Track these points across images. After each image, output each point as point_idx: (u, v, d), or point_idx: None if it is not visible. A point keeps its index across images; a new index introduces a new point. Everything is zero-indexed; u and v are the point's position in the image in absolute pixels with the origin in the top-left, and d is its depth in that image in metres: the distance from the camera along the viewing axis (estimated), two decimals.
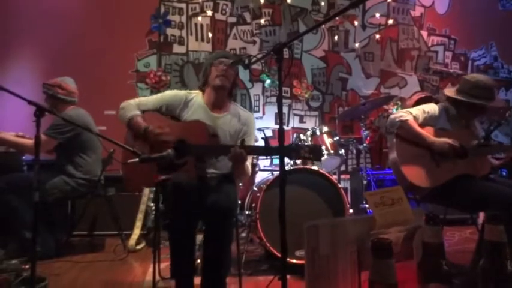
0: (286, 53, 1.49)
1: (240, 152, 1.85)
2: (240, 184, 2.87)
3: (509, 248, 0.86)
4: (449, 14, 4.90)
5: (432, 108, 2.42)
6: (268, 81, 4.43)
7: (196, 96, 2.22)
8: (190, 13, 4.44)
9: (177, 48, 4.40)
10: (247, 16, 4.50)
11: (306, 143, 2.82)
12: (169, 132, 2.01)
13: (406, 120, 2.30)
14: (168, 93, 2.23)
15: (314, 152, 1.83)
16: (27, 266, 2.31)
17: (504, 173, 3.77)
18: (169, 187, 1.85)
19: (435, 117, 2.38)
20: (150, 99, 2.19)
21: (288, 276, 1.32)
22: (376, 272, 0.75)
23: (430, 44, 4.85)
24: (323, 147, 2.86)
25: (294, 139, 3.07)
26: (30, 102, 1.74)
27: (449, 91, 2.45)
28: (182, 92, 2.23)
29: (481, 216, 3.33)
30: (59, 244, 2.91)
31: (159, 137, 1.99)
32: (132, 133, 2.08)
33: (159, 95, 2.23)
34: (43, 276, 2.22)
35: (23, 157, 3.28)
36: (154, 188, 2.88)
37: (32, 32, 4.11)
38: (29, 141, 2.74)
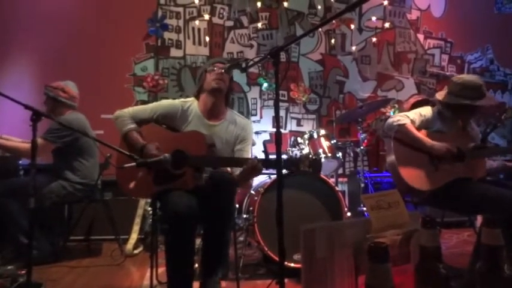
0: (283, 56, 1.49)
1: (257, 165, 1.86)
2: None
3: (506, 251, 0.86)
4: (445, 17, 4.93)
5: (428, 111, 2.42)
6: (265, 85, 4.44)
7: (192, 105, 2.19)
8: (187, 17, 4.44)
9: (174, 52, 4.40)
10: (244, 20, 4.51)
11: (302, 152, 2.82)
12: (165, 141, 1.99)
13: (404, 124, 2.30)
14: (163, 103, 2.20)
15: (313, 166, 1.83)
16: (23, 272, 2.29)
17: (501, 175, 3.78)
18: (166, 203, 1.84)
19: (430, 121, 2.39)
20: (145, 109, 2.15)
21: (286, 280, 1.32)
22: (373, 276, 0.75)
23: (426, 47, 4.88)
24: (320, 150, 2.86)
25: (291, 143, 3.06)
26: (26, 107, 1.74)
27: (440, 94, 2.46)
28: (177, 102, 2.19)
29: (479, 218, 3.33)
30: (55, 249, 2.89)
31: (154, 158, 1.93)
32: (128, 147, 2.02)
33: (154, 104, 2.20)
34: (39, 282, 2.21)
35: (20, 161, 3.27)
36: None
37: (29, 36, 4.10)
38: (26, 145, 2.73)
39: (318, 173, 1.88)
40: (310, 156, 2.79)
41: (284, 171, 2.15)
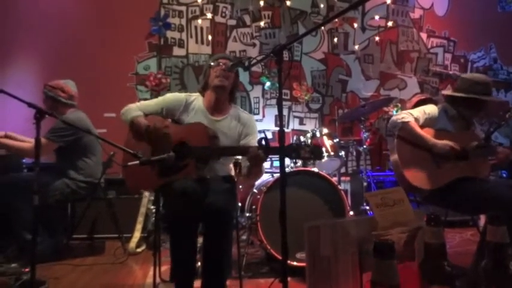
0: (286, 55, 1.49)
1: (258, 153, 1.85)
2: (240, 186, 2.86)
3: (511, 249, 0.86)
4: (449, 16, 4.91)
5: (432, 109, 2.42)
6: (268, 84, 4.43)
7: (197, 99, 2.22)
8: (190, 16, 4.45)
9: (177, 51, 4.41)
10: (247, 19, 4.51)
11: (306, 143, 2.82)
12: (170, 126, 2.03)
13: (408, 122, 2.30)
14: (169, 96, 2.23)
15: (314, 152, 1.82)
16: (26, 270, 2.30)
17: (504, 175, 3.77)
18: (169, 190, 1.85)
19: (435, 118, 2.38)
20: (151, 103, 2.20)
21: (289, 279, 1.32)
22: (379, 273, 0.74)
23: (429, 46, 4.86)
24: (323, 149, 2.86)
25: (293, 141, 3.06)
26: (30, 105, 1.74)
27: (447, 91, 2.48)
28: (182, 95, 2.23)
29: (482, 218, 3.32)
30: (58, 247, 2.90)
31: (160, 130, 1.97)
32: (134, 134, 2.07)
33: (160, 98, 2.24)
34: (43, 280, 2.22)
35: (23, 160, 3.28)
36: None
37: (32, 35, 4.12)
38: (29, 145, 2.74)
39: (320, 159, 1.86)
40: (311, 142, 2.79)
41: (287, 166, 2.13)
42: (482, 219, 3.33)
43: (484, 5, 4.94)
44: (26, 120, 2.09)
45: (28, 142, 2.81)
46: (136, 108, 2.13)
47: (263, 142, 1.81)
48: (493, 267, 0.86)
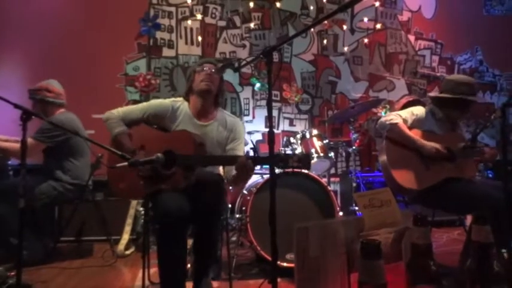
0: (275, 56, 1.49)
1: (248, 164, 1.82)
2: (230, 188, 2.86)
3: (495, 248, 0.87)
4: (436, 18, 4.99)
5: (420, 110, 2.46)
6: (258, 85, 4.44)
7: (182, 105, 2.18)
8: (179, 16, 4.43)
9: (167, 52, 4.38)
10: (237, 20, 4.51)
11: (294, 152, 2.83)
12: (155, 136, 1.99)
13: (396, 123, 2.33)
14: (153, 102, 2.19)
15: (303, 161, 1.82)
16: (13, 273, 2.26)
17: (490, 175, 3.84)
18: (156, 205, 1.84)
19: (422, 120, 2.42)
20: (135, 109, 2.13)
21: (279, 280, 1.32)
22: (365, 273, 0.75)
23: (417, 48, 4.93)
24: (313, 150, 2.87)
25: (283, 143, 3.07)
26: (16, 106, 1.72)
27: (433, 93, 2.52)
28: (167, 101, 2.18)
29: (469, 217, 3.38)
30: (46, 250, 2.86)
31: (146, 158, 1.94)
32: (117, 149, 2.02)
33: (145, 104, 2.19)
34: (29, 284, 2.19)
35: (9, 162, 3.22)
36: None
37: (19, 36, 4.05)
38: (15, 145, 2.69)
39: (307, 168, 1.86)
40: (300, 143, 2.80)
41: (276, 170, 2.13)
42: (468, 219, 3.39)
43: (470, 8, 5.03)
44: (12, 121, 2.06)
45: (17, 143, 2.76)
46: (119, 119, 2.06)
47: (252, 151, 1.81)
48: (478, 266, 0.87)
